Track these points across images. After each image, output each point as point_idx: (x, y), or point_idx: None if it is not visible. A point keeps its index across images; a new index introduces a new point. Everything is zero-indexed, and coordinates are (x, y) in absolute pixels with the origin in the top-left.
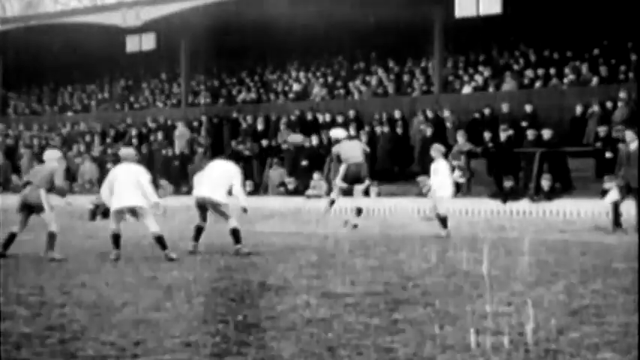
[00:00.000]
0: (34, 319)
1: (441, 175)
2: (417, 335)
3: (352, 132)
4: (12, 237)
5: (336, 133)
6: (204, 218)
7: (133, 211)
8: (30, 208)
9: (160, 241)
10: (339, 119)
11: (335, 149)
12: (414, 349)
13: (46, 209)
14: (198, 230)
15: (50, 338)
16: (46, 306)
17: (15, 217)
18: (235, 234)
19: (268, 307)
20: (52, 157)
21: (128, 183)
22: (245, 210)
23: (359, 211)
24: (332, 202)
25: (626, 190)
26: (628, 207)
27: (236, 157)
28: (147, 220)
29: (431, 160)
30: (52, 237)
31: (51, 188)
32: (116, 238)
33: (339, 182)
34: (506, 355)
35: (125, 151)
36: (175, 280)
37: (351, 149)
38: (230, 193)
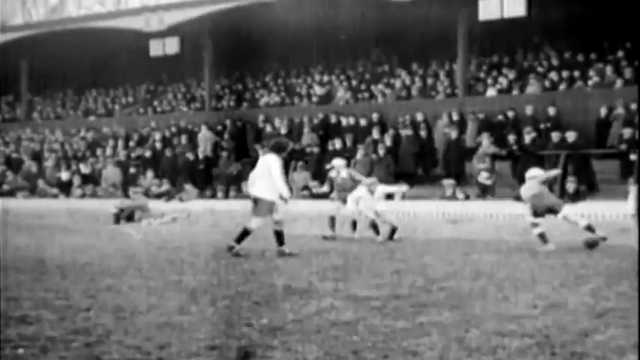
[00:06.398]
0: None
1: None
2: (442, 338)
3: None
4: None
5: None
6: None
7: None
8: None
9: None
10: (363, 122)
11: None
12: (439, 352)
13: None
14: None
15: (75, 342)
16: (72, 309)
17: None
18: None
19: (293, 310)
20: None
21: None
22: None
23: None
24: None
25: None
26: None
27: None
28: None
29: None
30: None
31: None
32: None
33: None
34: (532, 358)
35: None
36: (200, 284)
37: None
38: None
